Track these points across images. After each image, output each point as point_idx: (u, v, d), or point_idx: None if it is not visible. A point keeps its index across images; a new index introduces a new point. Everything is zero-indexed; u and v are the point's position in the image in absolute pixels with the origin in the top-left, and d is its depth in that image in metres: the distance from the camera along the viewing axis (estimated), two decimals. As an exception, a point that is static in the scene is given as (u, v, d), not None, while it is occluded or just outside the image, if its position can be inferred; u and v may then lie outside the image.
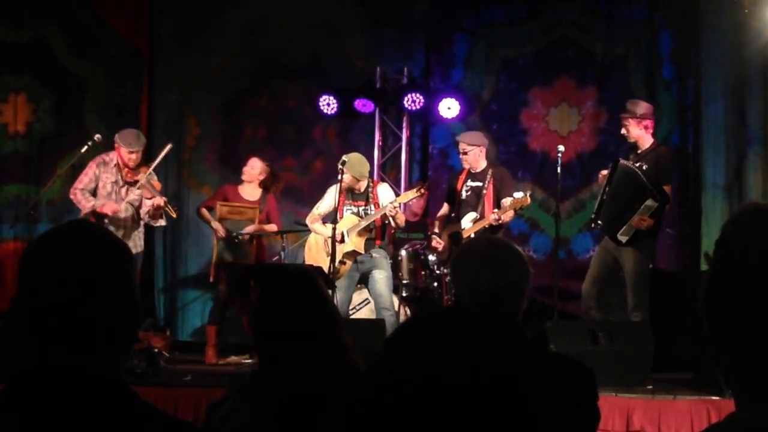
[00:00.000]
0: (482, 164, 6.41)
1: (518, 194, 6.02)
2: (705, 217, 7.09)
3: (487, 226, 6.12)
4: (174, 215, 6.53)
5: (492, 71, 8.01)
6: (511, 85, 8.01)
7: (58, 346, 1.30)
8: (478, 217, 6.24)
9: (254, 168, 6.92)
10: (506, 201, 6.12)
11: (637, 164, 5.92)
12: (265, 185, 6.98)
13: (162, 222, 6.63)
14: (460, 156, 6.43)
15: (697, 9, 7.26)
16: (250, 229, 6.81)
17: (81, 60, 8.35)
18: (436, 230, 6.63)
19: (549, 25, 7.88)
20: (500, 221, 6.06)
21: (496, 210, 6.11)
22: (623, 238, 5.83)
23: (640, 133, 6.06)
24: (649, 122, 6.11)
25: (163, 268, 8.26)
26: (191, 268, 8.24)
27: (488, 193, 6.28)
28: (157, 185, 6.50)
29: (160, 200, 6.32)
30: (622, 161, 6.03)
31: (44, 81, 8.34)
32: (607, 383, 4.84)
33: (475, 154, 6.37)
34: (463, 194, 6.41)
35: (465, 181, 6.43)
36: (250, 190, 6.96)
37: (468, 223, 6.28)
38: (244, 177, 6.95)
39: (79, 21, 8.32)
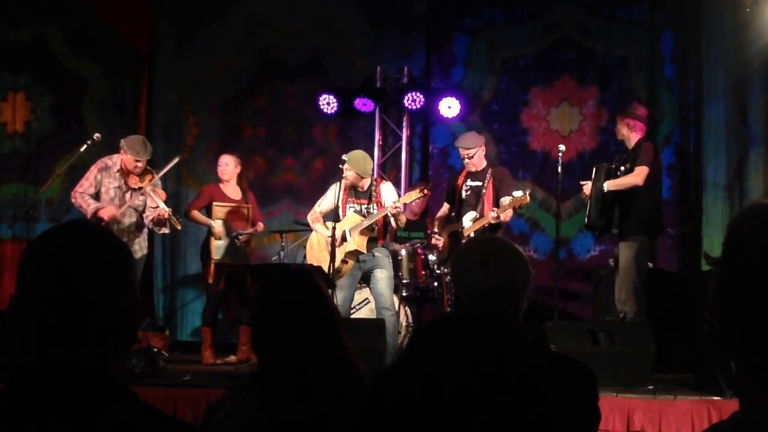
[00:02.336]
0: (482, 164, 6.41)
1: (517, 193, 6.01)
2: (706, 217, 7.10)
3: (486, 224, 6.11)
4: (179, 227, 6.43)
5: (492, 71, 8.02)
6: (512, 84, 8.01)
7: (57, 346, 1.30)
8: (478, 216, 6.23)
9: (229, 164, 6.83)
10: (505, 200, 6.12)
11: (624, 165, 6.01)
12: (240, 180, 6.93)
13: (165, 230, 6.54)
14: (465, 161, 6.35)
15: (699, 9, 7.27)
16: (248, 232, 6.78)
17: (80, 59, 8.36)
18: (436, 230, 6.62)
19: (549, 25, 7.89)
20: (499, 220, 6.05)
21: (495, 209, 6.10)
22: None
23: (626, 132, 6.14)
24: (633, 122, 6.13)
25: (163, 268, 8.25)
26: (190, 268, 8.23)
27: (488, 192, 6.27)
28: (162, 194, 6.42)
29: (164, 211, 6.24)
30: (597, 165, 6.20)
31: (43, 80, 8.35)
32: (608, 383, 4.84)
33: (479, 156, 6.36)
34: (463, 194, 6.40)
35: (465, 181, 6.42)
36: (233, 188, 6.89)
37: (468, 222, 6.27)
38: (224, 177, 6.84)
39: (79, 20, 8.33)
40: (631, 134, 6.11)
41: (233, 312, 6.83)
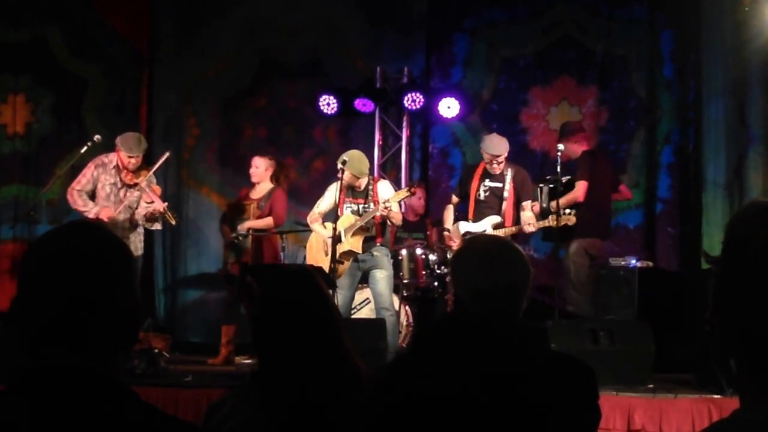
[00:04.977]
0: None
1: (569, 212, 5.96)
2: (705, 216, 7.10)
3: (511, 234, 6.08)
4: (173, 222, 6.44)
5: (492, 71, 8.02)
6: (511, 84, 8.01)
7: (58, 347, 1.30)
8: (501, 221, 6.18)
9: (259, 167, 6.87)
10: (529, 218, 6.08)
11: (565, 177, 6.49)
12: (276, 179, 6.93)
13: (158, 226, 6.56)
14: (493, 165, 6.24)
15: (698, 8, 7.27)
16: (243, 227, 6.74)
17: (80, 60, 8.35)
18: (447, 225, 6.48)
19: (549, 24, 7.89)
20: (532, 231, 6.07)
21: (532, 221, 6.04)
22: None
23: (576, 149, 6.62)
24: (575, 137, 6.68)
25: (163, 268, 8.25)
26: (191, 268, 8.23)
27: (510, 195, 6.22)
28: (157, 189, 6.44)
29: (159, 206, 6.25)
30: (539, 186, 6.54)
31: (43, 81, 8.33)
32: (608, 382, 4.84)
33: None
34: (481, 194, 6.30)
35: (482, 180, 6.34)
36: (261, 189, 6.90)
37: (488, 226, 6.19)
38: (253, 179, 6.90)
39: (79, 21, 8.32)
40: (579, 149, 6.55)
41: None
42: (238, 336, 6.86)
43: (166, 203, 6.33)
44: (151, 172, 6.42)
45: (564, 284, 6.52)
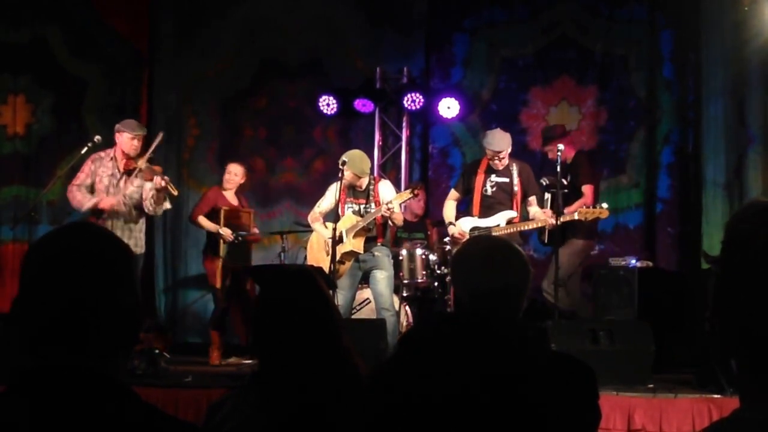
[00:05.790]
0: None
1: (604, 206, 5.98)
2: (705, 216, 7.10)
3: (520, 229, 6.12)
4: (175, 193, 6.28)
5: (492, 71, 8.02)
6: (511, 84, 8.01)
7: (58, 347, 1.30)
8: (516, 215, 6.18)
9: (237, 174, 6.94)
10: (537, 212, 6.13)
11: (564, 178, 6.51)
12: (241, 188, 7.03)
13: (167, 205, 6.41)
14: (495, 161, 6.20)
15: (698, 8, 7.27)
16: (253, 233, 6.90)
17: (80, 60, 8.35)
18: (452, 221, 6.40)
19: (549, 24, 7.89)
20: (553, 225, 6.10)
21: (554, 215, 6.06)
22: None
23: (567, 150, 6.67)
24: (566, 139, 6.75)
25: (164, 268, 8.25)
26: (191, 268, 8.23)
27: (518, 190, 6.23)
28: (158, 168, 6.38)
29: (161, 180, 6.09)
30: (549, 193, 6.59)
31: (43, 82, 8.34)
32: (608, 382, 4.84)
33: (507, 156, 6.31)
34: (488, 190, 6.26)
35: (487, 176, 6.28)
36: (231, 194, 7.00)
37: (502, 221, 6.17)
38: (227, 185, 6.94)
39: (79, 21, 8.33)
40: (570, 151, 6.68)
41: (238, 314, 6.89)
42: (237, 337, 6.89)
43: (166, 177, 6.19)
44: (149, 153, 6.35)
45: (542, 276, 6.55)
